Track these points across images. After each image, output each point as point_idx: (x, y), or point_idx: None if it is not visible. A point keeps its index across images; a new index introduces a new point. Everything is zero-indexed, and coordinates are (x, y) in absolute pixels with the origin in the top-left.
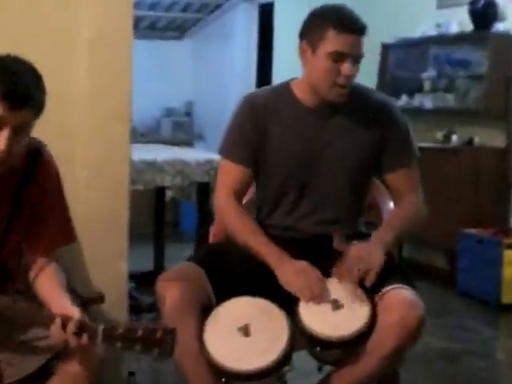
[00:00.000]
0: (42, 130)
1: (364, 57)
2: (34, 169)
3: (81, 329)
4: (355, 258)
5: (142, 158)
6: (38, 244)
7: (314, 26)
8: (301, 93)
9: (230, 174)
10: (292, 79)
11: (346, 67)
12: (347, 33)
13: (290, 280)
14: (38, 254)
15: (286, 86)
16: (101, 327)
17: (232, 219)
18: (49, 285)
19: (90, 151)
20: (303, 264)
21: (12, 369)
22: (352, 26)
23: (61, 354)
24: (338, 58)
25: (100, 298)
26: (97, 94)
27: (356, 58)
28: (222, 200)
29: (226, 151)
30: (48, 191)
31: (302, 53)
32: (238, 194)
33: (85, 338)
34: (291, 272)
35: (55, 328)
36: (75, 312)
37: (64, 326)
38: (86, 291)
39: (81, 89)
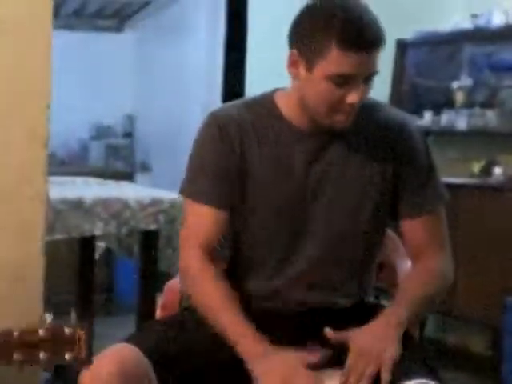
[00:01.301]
0: None
1: (378, 72)
2: None
3: None
4: (358, 356)
5: (64, 197)
6: None
7: (310, 35)
8: (289, 110)
9: (201, 222)
10: (275, 90)
11: (352, 94)
12: (355, 51)
13: (271, 381)
14: None
15: (267, 100)
16: None
17: (200, 284)
18: None
19: None
20: (291, 361)
21: None
22: (362, 40)
23: None
24: (342, 81)
25: None
26: (4, 109)
27: (368, 78)
28: (190, 257)
29: (192, 190)
30: None
31: (292, 64)
32: (211, 249)
33: None
34: (274, 372)
35: None
36: None
37: None
38: None
39: None
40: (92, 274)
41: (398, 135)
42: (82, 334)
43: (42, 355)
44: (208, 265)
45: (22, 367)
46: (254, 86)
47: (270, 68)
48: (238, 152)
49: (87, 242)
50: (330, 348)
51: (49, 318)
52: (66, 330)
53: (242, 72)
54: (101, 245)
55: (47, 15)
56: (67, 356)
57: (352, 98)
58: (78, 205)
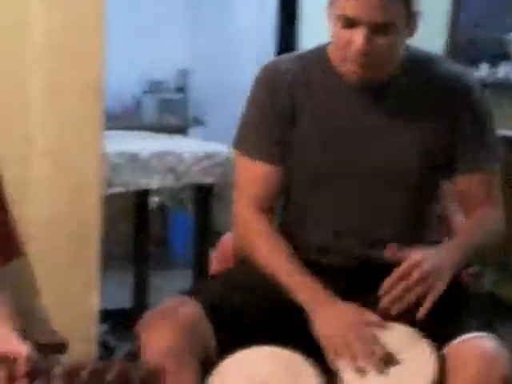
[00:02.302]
0: None
1: (401, 26)
2: None
3: (31, 372)
4: (412, 267)
5: (120, 151)
6: None
7: None
8: (338, 62)
9: (252, 176)
10: (330, 43)
11: (355, 39)
12: None
13: (330, 333)
14: None
15: (320, 53)
16: (59, 369)
17: (253, 236)
18: None
19: (49, 138)
20: (352, 311)
21: None
22: None
23: None
24: (347, 24)
25: (61, 346)
26: (57, 61)
27: (376, 28)
28: (245, 213)
29: (245, 145)
30: None
31: (327, 12)
32: (265, 203)
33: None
34: (333, 322)
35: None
36: (22, 349)
37: (7, 368)
38: (42, 336)
39: (36, 53)
40: (147, 227)
41: (455, 89)
42: (151, 377)
43: None
44: (261, 218)
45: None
46: (307, 40)
47: (324, 23)
48: (289, 106)
49: (142, 196)
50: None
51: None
52: (137, 375)
53: (294, 25)
54: (155, 199)
55: None
56: None
57: (354, 42)
58: (134, 159)
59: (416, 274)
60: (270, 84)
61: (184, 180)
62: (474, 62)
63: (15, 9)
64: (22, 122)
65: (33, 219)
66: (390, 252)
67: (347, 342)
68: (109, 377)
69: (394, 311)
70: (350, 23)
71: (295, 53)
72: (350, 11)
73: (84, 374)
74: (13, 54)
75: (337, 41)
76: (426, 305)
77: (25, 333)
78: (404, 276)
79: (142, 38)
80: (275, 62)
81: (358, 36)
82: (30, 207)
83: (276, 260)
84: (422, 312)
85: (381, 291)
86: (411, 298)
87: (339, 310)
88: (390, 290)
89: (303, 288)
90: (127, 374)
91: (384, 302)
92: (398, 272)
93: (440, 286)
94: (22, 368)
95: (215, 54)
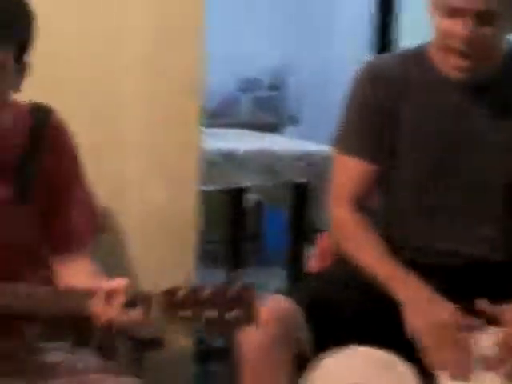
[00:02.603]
0: (81, 102)
1: (507, 17)
2: (43, 133)
3: (131, 299)
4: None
5: (217, 148)
6: (56, 241)
7: None
8: (439, 61)
9: (351, 175)
10: (430, 42)
11: (459, 28)
12: None
13: (425, 333)
14: (56, 255)
15: (421, 52)
16: (157, 293)
17: (348, 232)
18: (75, 271)
19: (148, 135)
20: (449, 312)
21: None
22: None
23: None
24: (451, 13)
25: (157, 342)
26: (155, 59)
27: (481, 16)
28: (339, 207)
29: (344, 142)
30: (66, 159)
31: (429, 7)
32: (362, 202)
33: (137, 311)
34: (429, 322)
35: (97, 303)
36: (121, 281)
37: (108, 299)
38: (138, 331)
39: (133, 51)
40: (243, 224)
41: None
42: (247, 294)
43: (206, 313)
44: (358, 217)
45: (188, 325)
46: (406, 37)
47: (425, 20)
48: (389, 105)
49: (238, 193)
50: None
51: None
52: (231, 290)
53: (393, 22)
54: (253, 196)
55: None
56: (231, 315)
57: (459, 32)
58: (230, 156)
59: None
60: (371, 82)
61: (280, 178)
62: None
63: (116, 8)
64: (120, 120)
65: (130, 215)
66: (480, 307)
67: (439, 345)
68: (206, 293)
69: None
70: (453, 13)
71: (395, 52)
72: (454, 0)
73: (180, 293)
74: (112, 53)
75: (440, 32)
76: None
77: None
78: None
79: (239, 37)
80: (376, 60)
81: (462, 25)
82: (127, 203)
83: (373, 256)
84: None
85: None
86: None
87: (438, 312)
88: None
89: (402, 284)
90: (223, 292)
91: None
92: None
93: None
94: (122, 296)
95: (312, 53)
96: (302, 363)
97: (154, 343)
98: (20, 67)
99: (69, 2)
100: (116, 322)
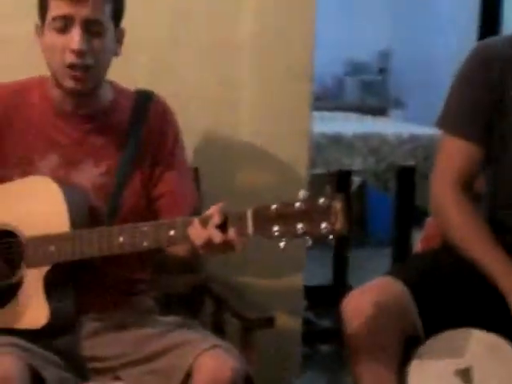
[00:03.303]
0: (195, 88)
1: None
2: (145, 112)
3: (225, 219)
4: None
5: (324, 131)
6: (160, 208)
7: None
8: None
9: (456, 156)
10: None
11: None
12: None
13: None
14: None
15: None
16: (249, 211)
17: (451, 216)
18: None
19: (258, 119)
20: None
21: None
22: None
23: (191, 373)
24: None
25: (268, 321)
26: (267, 44)
27: None
28: (442, 189)
29: (450, 124)
30: (168, 137)
31: None
32: (468, 185)
33: (231, 231)
34: None
35: (194, 228)
36: (215, 207)
37: (204, 223)
38: (250, 311)
39: (247, 37)
40: (348, 207)
41: None
42: (337, 204)
43: (299, 226)
44: (462, 199)
45: (282, 238)
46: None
47: None
48: (500, 89)
49: (344, 176)
50: None
51: (304, 192)
52: (321, 201)
53: (498, 9)
54: (356, 179)
55: None
56: (323, 226)
57: None
58: (337, 139)
59: None
60: (484, 63)
61: (387, 161)
62: None
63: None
64: (233, 105)
65: (241, 194)
66: None
67: None
68: (297, 206)
69: None
70: None
71: (506, 35)
72: None
73: (273, 209)
74: (225, 39)
75: None
76: None
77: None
78: None
79: (346, 20)
80: (487, 42)
81: None
82: (238, 182)
83: (475, 241)
84: None
85: None
86: None
87: None
88: None
89: (503, 272)
90: (313, 204)
91: None
92: None
93: None
94: (217, 218)
95: (417, 36)
96: (413, 344)
97: (264, 323)
98: (117, 34)
99: None
100: (213, 243)
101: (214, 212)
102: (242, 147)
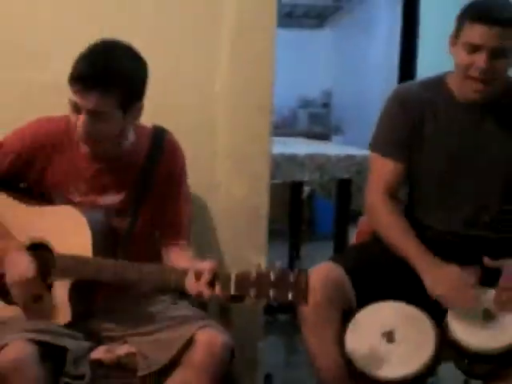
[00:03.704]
0: (182, 121)
1: (509, 49)
2: (160, 149)
3: (214, 278)
4: (509, 279)
5: (281, 152)
6: (166, 232)
7: (457, 19)
8: (456, 88)
9: (382, 170)
10: (447, 72)
11: (478, 59)
12: (481, 23)
13: (438, 286)
14: (164, 243)
15: (440, 81)
16: (233, 274)
17: (381, 216)
18: (177, 256)
19: (231, 144)
20: (455, 269)
21: (146, 361)
22: (487, 16)
23: (189, 345)
24: (472, 49)
25: (241, 297)
26: (238, 85)
27: (494, 51)
28: (374, 197)
29: (379, 146)
30: (177, 171)
31: (451, 44)
32: (391, 192)
33: (218, 288)
34: (440, 277)
35: (189, 280)
36: (207, 264)
37: (197, 277)
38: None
39: (223, 80)
40: (300, 210)
41: None
42: (302, 281)
43: (271, 293)
44: (389, 203)
45: (256, 301)
46: (424, 71)
47: (438, 57)
48: (416, 121)
49: (297, 186)
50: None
51: (278, 264)
52: (292, 276)
53: (413, 59)
54: (306, 188)
55: (272, 17)
56: (290, 296)
57: (478, 63)
58: (292, 158)
59: None
60: (402, 101)
61: (329, 175)
62: None
63: (207, 42)
64: (212, 134)
65: (221, 203)
66: (488, 262)
67: (453, 300)
68: (271, 277)
69: None
70: (473, 49)
71: (419, 80)
72: (475, 39)
73: (252, 276)
74: (204, 81)
75: (461, 66)
76: None
77: None
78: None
79: (298, 67)
80: (405, 85)
81: (481, 58)
82: (217, 195)
83: (396, 232)
84: None
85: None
86: None
87: (446, 270)
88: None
89: (417, 255)
90: (284, 277)
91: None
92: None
93: None
94: (207, 276)
95: (352, 79)
96: (349, 317)
97: (236, 298)
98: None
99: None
100: (202, 295)
101: (206, 269)
102: (219, 166)
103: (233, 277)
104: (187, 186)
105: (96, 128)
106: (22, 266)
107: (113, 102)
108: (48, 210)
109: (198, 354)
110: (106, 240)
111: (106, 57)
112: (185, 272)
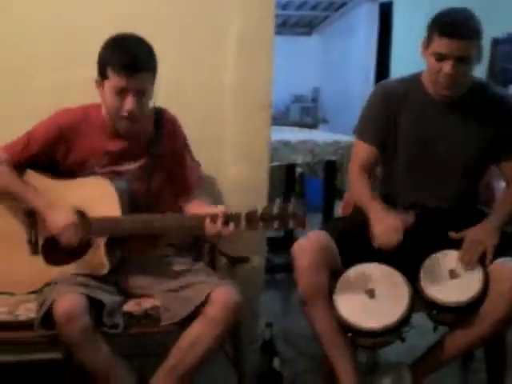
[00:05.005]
0: (196, 114)
1: (474, 57)
2: (162, 124)
3: (227, 219)
4: (471, 243)
5: (278, 139)
6: (178, 190)
7: (428, 29)
8: (428, 84)
9: (361, 153)
10: (423, 71)
11: (445, 66)
12: (447, 37)
13: (378, 234)
14: (180, 198)
15: (416, 77)
16: (243, 213)
17: (355, 186)
18: (192, 205)
19: (237, 133)
20: (398, 222)
21: (168, 314)
22: (452, 31)
23: (206, 301)
24: (440, 57)
25: (244, 259)
26: (243, 86)
27: (459, 60)
28: (354, 173)
29: (361, 133)
30: (178, 141)
31: (423, 50)
32: (368, 171)
33: (232, 226)
34: (383, 227)
35: (207, 224)
36: (219, 208)
37: (213, 220)
38: (234, 253)
39: (230, 81)
40: (293, 187)
41: (499, 105)
42: (301, 210)
43: (275, 224)
44: (361, 177)
45: (263, 230)
46: (396, 70)
47: (408, 59)
48: (394, 112)
49: (291, 167)
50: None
51: (278, 200)
52: (290, 208)
53: (387, 61)
54: (299, 169)
55: (270, 29)
56: (290, 224)
57: (444, 69)
58: (287, 144)
59: (474, 248)
60: (383, 95)
61: (318, 158)
62: (505, 84)
63: (216, 51)
64: (221, 122)
65: (227, 183)
66: (452, 236)
67: (382, 233)
68: (274, 211)
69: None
70: (441, 57)
71: (399, 77)
72: (443, 49)
73: (259, 212)
74: (214, 82)
75: (431, 70)
76: (489, 256)
77: (222, 252)
78: (467, 250)
79: (291, 69)
80: (386, 82)
81: (447, 66)
82: (227, 175)
83: (364, 194)
84: (488, 261)
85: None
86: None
87: (390, 221)
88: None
89: (371, 207)
90: (285, 210)
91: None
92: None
93: (493, 243)
94: (221, 218)
95: (337, 77)
96: (336, 275)
97: (242, 260)
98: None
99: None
100: (221, 234)
101: (219, 213)
102: (227, 151)
103: (243, 215)
104: (189, 150)
105: (142, 105)
106: (63, 214)
107: (152, 80)
108: (76, 182)
109: (213, 310)
110: (130, 201)
111: (137, 45)
112: (202, 218)
